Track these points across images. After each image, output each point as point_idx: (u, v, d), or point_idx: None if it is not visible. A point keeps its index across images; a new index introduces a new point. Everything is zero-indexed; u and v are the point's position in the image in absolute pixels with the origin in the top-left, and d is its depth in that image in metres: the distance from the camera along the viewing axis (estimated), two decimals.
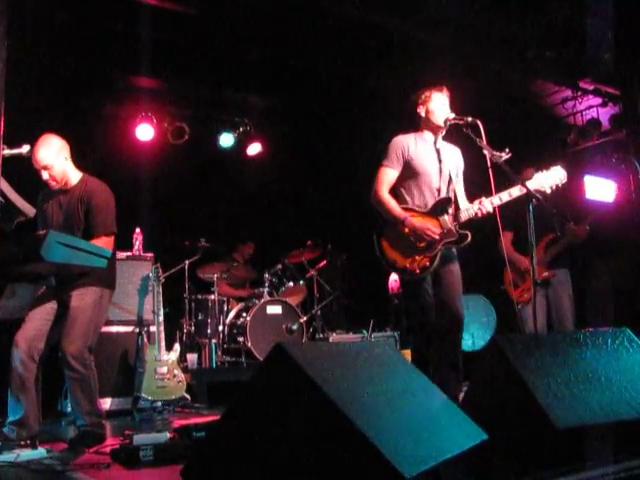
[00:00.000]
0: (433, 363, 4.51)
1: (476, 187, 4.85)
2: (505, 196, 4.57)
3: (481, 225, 4.68)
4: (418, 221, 4.55)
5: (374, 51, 7.41)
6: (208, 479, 2.69)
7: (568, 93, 8.63)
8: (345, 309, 9.32)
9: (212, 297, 7.79)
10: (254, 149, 9.37)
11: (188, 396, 6.29)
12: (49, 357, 4.52)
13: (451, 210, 4.64)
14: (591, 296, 6.50)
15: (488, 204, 4.55)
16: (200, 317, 7.75)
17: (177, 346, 6.39)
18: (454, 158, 4.88)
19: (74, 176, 4.65)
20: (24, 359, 4.32)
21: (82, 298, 4.43)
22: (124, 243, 6.52)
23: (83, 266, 3.78)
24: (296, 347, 2.63)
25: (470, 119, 4.59)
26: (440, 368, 4.62)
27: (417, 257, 4.51)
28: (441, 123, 4.72)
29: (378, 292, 8.73)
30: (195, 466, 2.77)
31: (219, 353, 7.60)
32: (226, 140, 9.15)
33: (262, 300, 7.70)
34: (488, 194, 4.56)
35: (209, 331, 7.64)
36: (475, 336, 8.58)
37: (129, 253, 6.60)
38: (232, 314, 7.88)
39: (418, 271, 4.50)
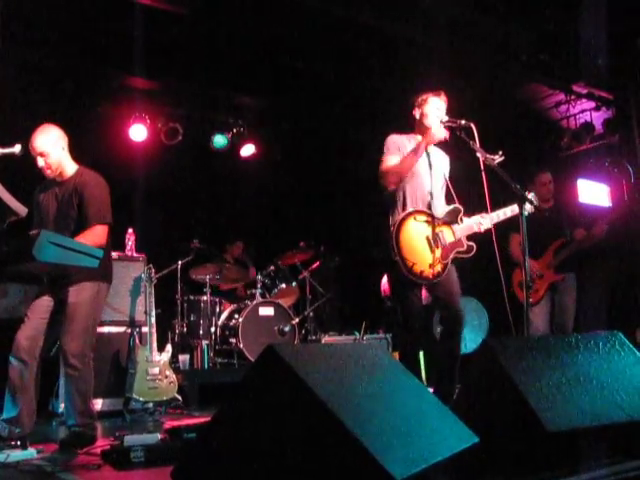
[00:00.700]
0: (431, 364, 4.53)
1: (469, 190, 4.85)
2: (501, 215, 4.63)
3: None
4: (431, 227, 4.58)
5: (368, 52, 7.43)
6: None
7: (561, 97, 8.66)
8: (337, 311, 9.33)
9: (204, 298, 7.78)
10: (248, 150, 9.37)
11: (180, 397, 6.28)
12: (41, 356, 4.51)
13: (460, 220, 4.67)
14: (584, 300, 6.52)
15: (488, 222, 4.61)
16: (192, 318, 7.73)
17: (169, 347, 6.38)
18: (442, 164, 4.89)
19: (70, 167, 4.64)
20: (25, 358, 4.31)
21: (79, 294, 4.42)
22: (117, 244, 6.50)
23: (75, 266, 3.76)
24: (287, 349, 2.62)
25: (463, 122, 4.59)
26: (438, 369, 4.64)
27: (433, 263, 4.52)
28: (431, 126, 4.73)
29: (370, 294, 8.73)
30: (186, 467, 2.76)
31: (211, 354, 7.58)
32: (219, 141, 9.15)
33: (254, 301, 7.69)
34: (481, 197, 4.56)
35: (201, 332, 7.63)
36: (467, 339, 8.57)
37: (122, 254, 6.58)
38: (224, 315, 7.87)
39: (432, 276, 4.51)
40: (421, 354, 4.94)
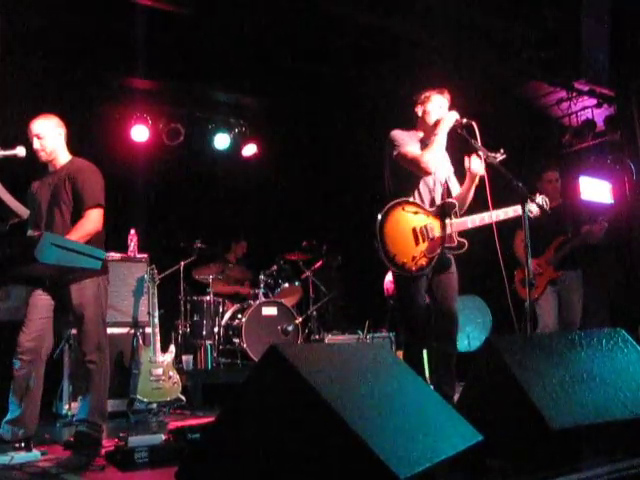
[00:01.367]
0: (430, 364, 4.53)
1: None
2: (502, 215, 4.61)
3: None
4: (422, 218, 4.55)
5: (369, 52, 7.43)
6: None
7: (563, 94, 8.64)
8: (341, 310, 9.32)
9: (207, 298, 7.78)
10: (249, 150, 9.37)
11: (183, 398, 6.27)
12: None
13: (454, 215, 4.63)
14: (587, 297, 6.52)
15: (487, 219, 4.59)
16: (195, 318, 7.74)
17: (172, 347, 6.38)
18: (444, 159, 4.86)
19: (63, 157, 4.67)
20: (31, 360, 4.31)
21: (82, 293, 4.43)
22: (119, 244, 6.52)
23: (77, 268, 3.76)
24: (291, 348, 2.63)
25: (465, 120, 4.59)
26: (436, 368, 4.63)
27: (416, 255, 4.48)
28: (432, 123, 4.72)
29: (373, 293, 8.72)
30: (190, 468, 2.76)
31: (214, 354, 7.59)
32: (221, 141, 9.15)
33: (257, 301, 7.70)
34: (483, 194, 4.55)
35: (204, 332, 7.64)
36: (471, 337, 8.59)
37: (124, 254, 6.58)
38: (227, 315, 7.87)
39: (414, 269, 4.45)
40: (425, 353, 4.91)
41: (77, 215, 4.47)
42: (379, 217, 4.45)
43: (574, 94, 8.53)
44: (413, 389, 2.94)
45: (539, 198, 4.64)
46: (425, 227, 4.53)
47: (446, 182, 4.80)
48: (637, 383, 3.21)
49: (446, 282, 4.63)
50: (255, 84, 8.19)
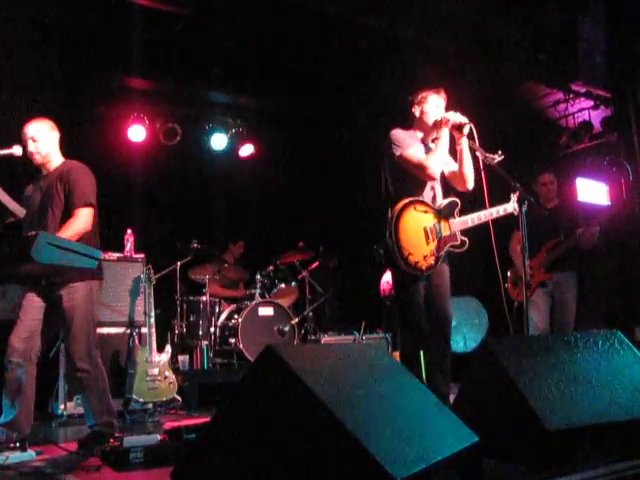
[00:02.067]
0: (425, 364, 4.52)
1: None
2: (499, 212, 4.61)
3: (474, 227, 4.69)
4: (431, 217, 4.56)
5: (366, 52, 7.43)
6: None
7: (560, 96, 8.66)
8: (337, 310, 9.32)
9: (204, 298, 7.77)
10: (247, 150, 9.36)
11: (179, 398, 6.27)
12: (39, 358, 4.50)
13: (457, 214, 4.64)
14: (582, 299, 6.53)
15: (483, 218, 4.59)
16: (192, 318, 7.73)
17: (168, 348, 6.37)
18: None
19: (56, 160, 4.67)
20: (21, 362, 4.29)
21: (72, 297, 4.40)
22: (115, 244, 6.52)
23: (73, 267, 3.76)
24: (287, 349, 2.63)
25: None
26: (430, 369, 4.62)
27: (427, 255, 4.49)
28: (432, 124, 4.73)
29: (370, 294, 8.72)
30: (186, 468, 2.76)
31: (211, 355, 7.58)
32: (218, 141, 9.15)
33: (254, 301, 7.69)
34: (481, 196, 4.56)
35: (200, 332, 7.62)
36: (467, 338, 8.59)
37: (120, 254, 6.58)
38: (224, 315, 7.86)
39: (425, 268, 4.48)
40: (421, 353, 4.91)
41: (69, 215, 4.44)
42: (394, 216, 4.45)
43: (571, 96, 8.54)
44: (409, 390, 2.93)
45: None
46: (435, 226, 4.56)
47: (444, 178, 4.80)
48: (633, 385, 3.21)
49: (439, 279, 4.63)
50: (252, 84, 8.19)
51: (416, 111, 4.81)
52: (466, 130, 4.58)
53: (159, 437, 4.10)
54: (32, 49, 6.74)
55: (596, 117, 8.82)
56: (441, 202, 4.68)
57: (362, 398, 2.56)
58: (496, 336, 3.20)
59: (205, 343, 7.56)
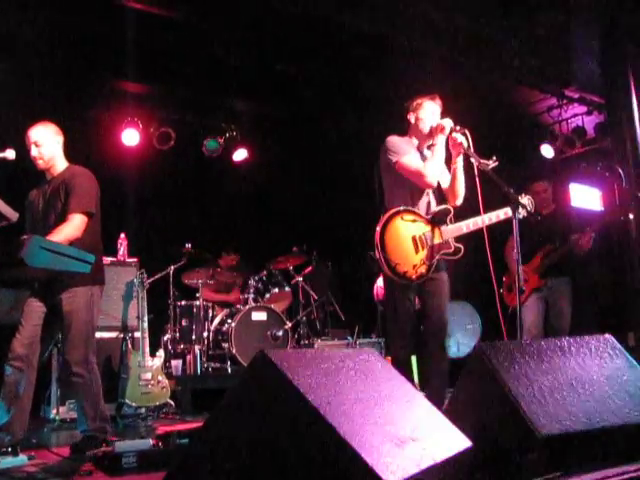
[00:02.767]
0: (420, 370, 4.52)
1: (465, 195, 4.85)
2: (494, 217, 4.61)
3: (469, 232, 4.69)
4: (420, 226, 4.56)
5: (361, 57, 7.44)
6: None
7: (553, 101, 8.69)
8: (330, 315, 9.32)
9: (197, 303, 7.77)
10: (240, 155, 9.36)
11: (172, 402, 6.27)
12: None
13: (449, 221, 4.63)
14: (576, 304, 6.55)
15: (479, 224, 4.58)
16: (185, 323, 7.72)
17: (161, 352, 6.37)
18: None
19: (60, 165, 4.64)
20: (22, 366, 4.27)
21: (72, 302, 4.39)
22: (109, 248, 6.50)
23: (66, 271, 3.74)
24: (280, 354, 2.62)
25: (459, 127, 4.60)
26: (425, 375, 4.62)
27: (417, 264, 4.48)
28: (427, 131, 4.72)
29: (363, 298, 8.72)
30: (178, 473, 2.75)
31: (204, 359, 7.57)
32: (212, 146, 9.13)
33: (247, 306, 7.69)
34: (476, 202, 4.56)
35: (194, 337, 7.62)
36: (460, 343, 8.61)
37: (113, 258, 6.57)
38: (217, 320, 7.85)
39: (415, 277, 4.47)
40: (413, 358, 4.91)
41: (62, 218, 4.39)
42: (379, 228, 4.44)
43: (564, 101, 8.58)
44: (402, 395, 2.93)
45: (524, 199, 4.64)
46: (424, 235, 4.53)
47: (439, 184, 4.79)
48: (626, 390, 3.21)
49: (437, 286, 4.62)
50: (246, 88, 8.19)
51: (411, 118, 4.80)
52: (461, 140, 4.58)
53: (152, 442, 4.08)
54: (24, 52, 6.74)
55: (590, 123, 8.87)
56: (432, 210, 4.67)
57: (355, 403, 2.56)
58: (489, 341, 3.21)
59: (198, 348, 7.55)
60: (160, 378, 6.17)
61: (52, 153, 4.58)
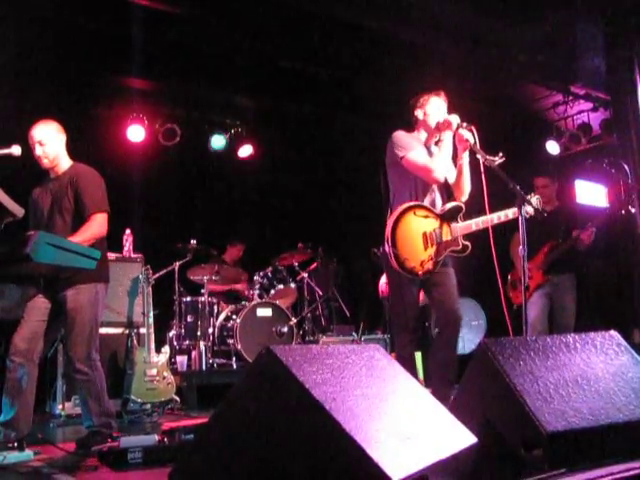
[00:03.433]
0: (426, 366, 4.52)
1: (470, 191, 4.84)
2: (502, 217, 4.59)
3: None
4: (432, 222, 4.55)
5: (365, 53, 7.43)
6: None
7: (559, 98, 8.68)
8: (336, 311, 9.33)
9: (202, 299, 7.78)
10: (245, 151, 9.36)
11: (177, 398, 6.27)
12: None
13: (460, 219, 4.62)
14: (580, 301, 6.54)
15: (488, 222, 4.57)
16: (190, 319, 7.73)
17: (167, 348, 6.38)
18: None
19: (65, 162, 4.65)
20: (23, 362, 4.28)
21: (77, 298, 4.40)
22: (114, 244, 6.50)
23: (72, 267, 3.75)
24: (285, 350, 2.62)
25: (465, 124, 4.59)
26: (431, 371, 4.62)
27: (424, 259, 4.48)
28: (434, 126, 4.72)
29: (368, 294, 8.72)
30: (184, 469, 2.75)
31: (209, 355, 7.58)
32: (217, 142, 9.14)
33: (252, 302, 7.70)
34: (481, 198, 4.55)
35: (199, 333, 7.63)
36: (465, 339, 8.59)
37: (119, 254, 6.57)
38: (222, 316, 7.86)
39: (421, 273, 4.47)
40: (418, 355, 4.91)
41: (79, 220, 4.43)
42: (391, 222, 4.45)
43: (570, 98, 8.57)
44: (407, 391, 2.93)
45: (533, 198, 4.63)
46: (434, 231, 4.54)
47: (445, 180, 4.78)
48: (631, 387, 3.21)
49: (444, 280, 4.60)
50: (252, 85, 8.19)
51: (419, 114, 4.79)
52: (468, 136, 4.57)
53: (157, 437, 4.09)
54: (30, 49, 6.74)
55: (595, 119, 8.84)
56: (444, 206, 4.67)
57: (360, 399, 2.56)
58: (495, 338, 3.20)
59: (203, 344, 7.56)
60: (165, 374, 6.18)
61: (56, 151, 4.59)
